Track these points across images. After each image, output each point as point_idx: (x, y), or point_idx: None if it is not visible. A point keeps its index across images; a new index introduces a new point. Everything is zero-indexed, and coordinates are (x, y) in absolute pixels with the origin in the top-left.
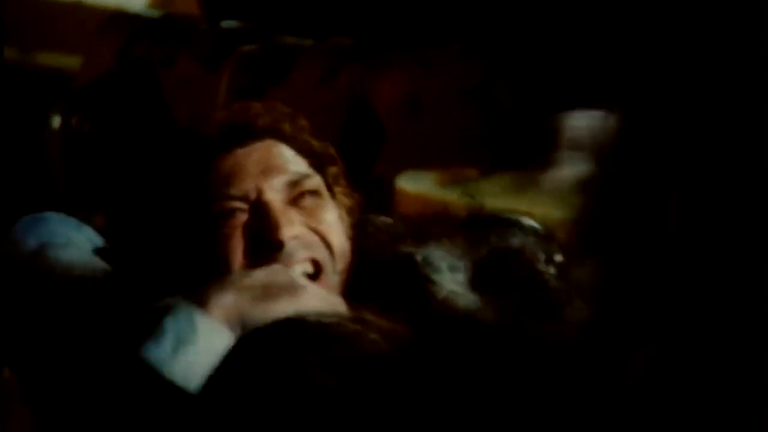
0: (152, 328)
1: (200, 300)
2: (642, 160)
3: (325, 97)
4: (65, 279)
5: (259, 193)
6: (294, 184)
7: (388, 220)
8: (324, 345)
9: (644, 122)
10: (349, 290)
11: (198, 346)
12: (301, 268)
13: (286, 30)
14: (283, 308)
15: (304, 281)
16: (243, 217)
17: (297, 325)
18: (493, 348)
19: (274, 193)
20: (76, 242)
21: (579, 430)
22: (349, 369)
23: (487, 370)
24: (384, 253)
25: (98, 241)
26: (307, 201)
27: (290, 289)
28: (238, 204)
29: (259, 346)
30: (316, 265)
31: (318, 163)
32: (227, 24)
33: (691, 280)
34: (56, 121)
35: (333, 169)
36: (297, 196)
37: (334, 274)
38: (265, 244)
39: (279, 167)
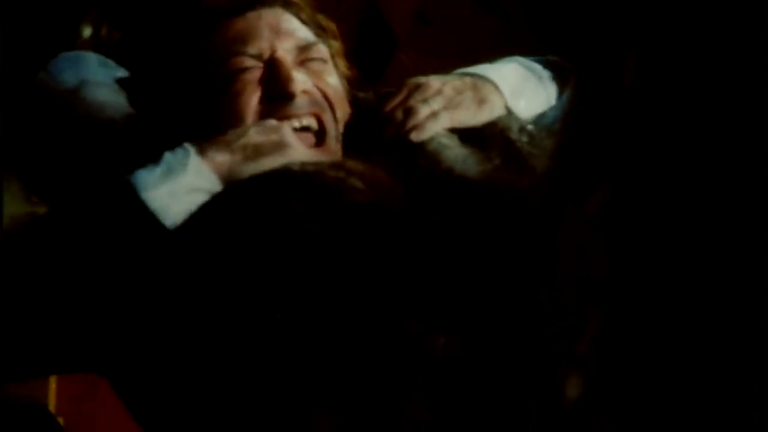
0: (153, 161)
1: (199, 151)
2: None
3: (341, 9)
4: (97, 119)
5: (273, 51)
6: (303, 49)
7: (369, 94)
8: (306, 191)
9: None
10: (346, 147)
11: (184, 180)
12: (307, 121)
13: None
14: (270, 164)
15: (292, 138)
16: (257, 73)
17: (281, 174)
18: (465, 202)
19: (286, 52)
20: (110, 82)
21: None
22: (329, 214)
23: (455, 220)
24: (375, 114)
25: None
26: (315, 65)
27: (279, 146)
28: (252, 61)
29: (244, 191)
30: (320, 122)
31: (323, 34)
32: None
33: (645, 128)
34: (87, 31)
35: (335, 43)
36: (305, 59)
37: (335, 136)
38: (277, 95)
39: (289, 32)
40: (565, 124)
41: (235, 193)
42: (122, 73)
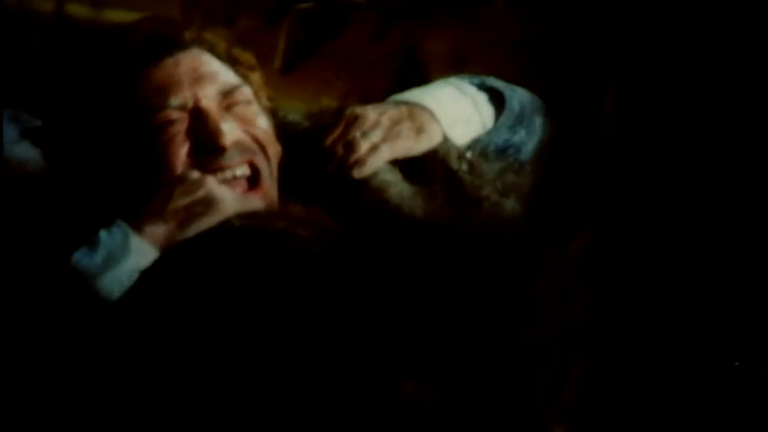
0: (88, 239)
1: (134, 226)
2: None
3: (378, 51)
4: (16, 176)
5: (196, 101)
6: (226, 94)
7: (297, 115)
8: (251, 246)
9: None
10: (282, 187)
11: (127, 264)
12: (240, 171)
13: None
14: (206, 223)
15: (219, 190)
16: (182, 125)
17: (221, 232)
18: (421, 243)
19: (210, 100)
20: (24, 141)
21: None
22: (279, 267)
23: (414, 263)
24: (311, 145)
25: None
26: (240, 108)
27: (209, 203)
28: (175, 113)
29: (186, 256)
30: (253, 167)
31: (243, 69)
32: None
33: (624, 170)
34: None
35: (255, 76)
36: (230, 105)
37: (270, 176)
38: (207, 149)
39: (210, 76)
40: (542, 165)
41: (176, 259)
42: (35, 124)
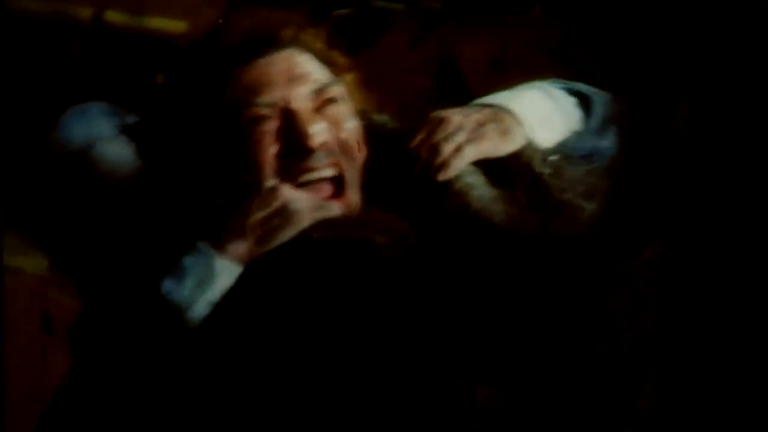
0: (173, 265)
1: (216, 246)
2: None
3: (415, 58)
4: (109, 181)
5: (287, 101)
6: (319, 92)
7: (384, 116)
8: (331, 258)
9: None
10: (366, 188)
11: (217, 286)
12: (326, 173)
13: None
14: (285, 236)
15: (294, 198)
16: (272, 124)
17: (300, 246)
18: (500, 248)
19: (301, 101)
20: (119, 136)
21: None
22: (360, 276)
23: (492, 269)
24: (396, 147)
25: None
26: (331, 108)
27: (286, 214)
28: (267, 111)
29: (267, 270)
30: (339, 170)
31: (337, 70)
32: None
33: (699, 179)
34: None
35: (349, 77)
36: (322, 103)
37: (354, 180)
38: (296, 150)
39: (304, 76)
40: (620, 172)
41: (258, 274)
42: (131, 119)
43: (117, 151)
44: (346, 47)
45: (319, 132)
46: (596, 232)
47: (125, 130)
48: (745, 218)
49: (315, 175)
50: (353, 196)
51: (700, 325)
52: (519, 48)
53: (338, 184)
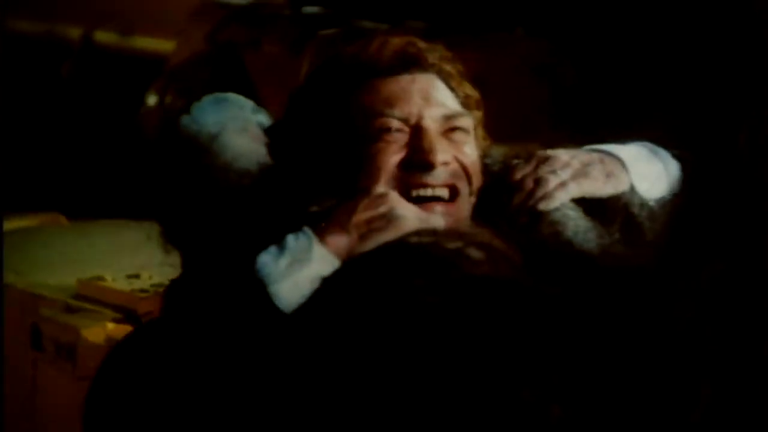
0: (275, 241)
1: (319, 234)
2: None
3: None
4: (232, 168)
5: (420, 118)
6: (449, 118)
7: (492, 159)
8: (424, 264)
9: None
10: (476, 212)
11: (309, 271)
12: (439, 192)
13: (363, 15)
14: (385, 238)
15: (401, 205)
16: (401, 136)
17: (396, 248)
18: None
19: (432, 121)
20: (251, 128)
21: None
22: (448, 287)
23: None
24: (498, 183)
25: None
26: (458, 135)
27: (391, 218)
28: (398, 123)
29: (360, 270)
30: (454, 190)
31: (468, 104)
32: (309, 10)
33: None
34: (152, 99)
35: (478, 114)
36: (449, 129)
37: (467, 199)
38: (418, 163)
39: (439, 100)
40: (680, 198)
41: (350, 272)
42: (263, 116)
43: (243, 143)
44: None
45: (443, 150)
46: (661, 253)
47: (259, 127)
48: None
49: (430, 191)
50: (463, 210)
51: (756, 344)
52: (501, 66)
53: (452, 196)
